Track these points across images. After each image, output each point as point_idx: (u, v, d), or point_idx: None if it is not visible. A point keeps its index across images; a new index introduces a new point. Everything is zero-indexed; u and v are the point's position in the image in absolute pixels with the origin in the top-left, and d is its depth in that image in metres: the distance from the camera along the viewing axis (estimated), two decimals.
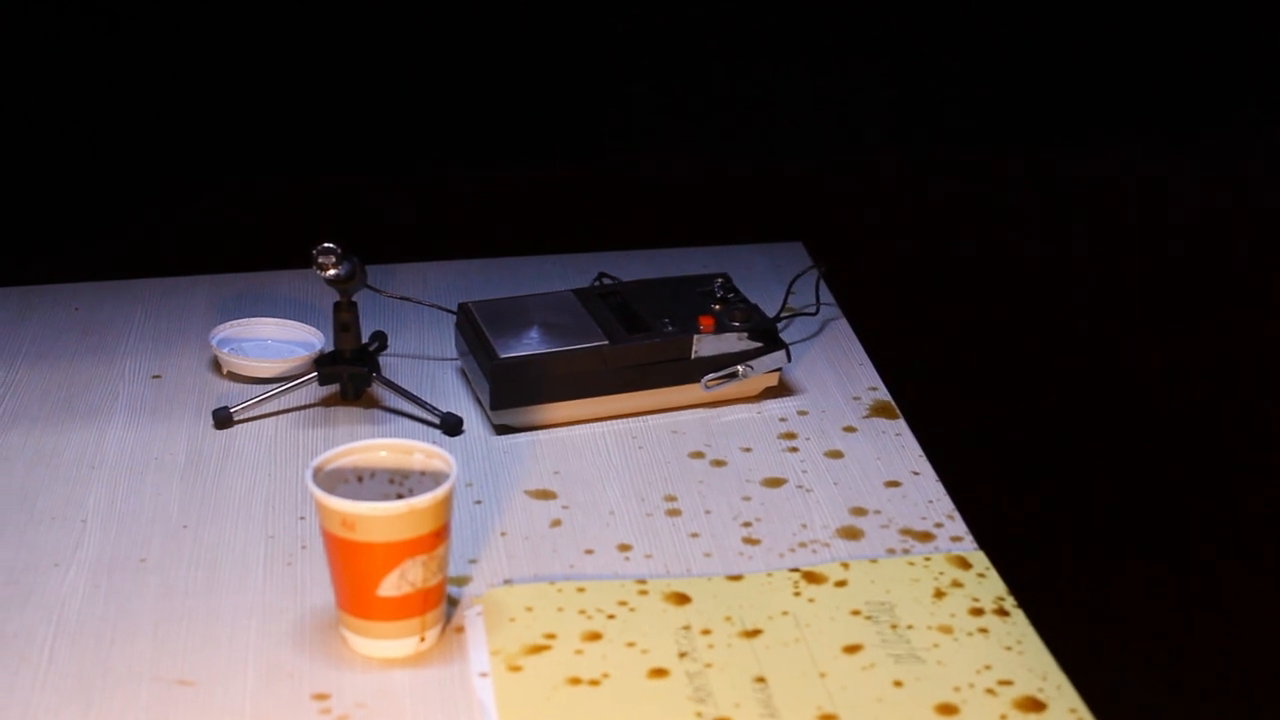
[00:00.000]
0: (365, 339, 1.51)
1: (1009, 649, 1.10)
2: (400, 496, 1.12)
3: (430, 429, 1.40)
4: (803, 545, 1.23)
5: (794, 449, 1.37)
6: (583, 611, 1.13)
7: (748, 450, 1.36)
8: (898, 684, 1.06)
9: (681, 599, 1.15)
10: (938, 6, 2.79)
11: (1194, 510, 2.28)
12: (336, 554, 1.07)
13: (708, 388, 1.42)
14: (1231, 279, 2.77)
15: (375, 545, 1.04)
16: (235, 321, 1.53)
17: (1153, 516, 2.27)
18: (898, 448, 1.37)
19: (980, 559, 1.20)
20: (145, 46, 2.61)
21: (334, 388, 1.44)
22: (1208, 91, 2.92)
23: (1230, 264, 2.80)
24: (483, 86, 2.74)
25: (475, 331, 1.42)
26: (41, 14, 2.49)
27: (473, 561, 1.20)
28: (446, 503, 1.06)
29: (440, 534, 1.07)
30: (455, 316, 1.48)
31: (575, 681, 1.06)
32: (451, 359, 1.52)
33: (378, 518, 1.04)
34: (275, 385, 1.43)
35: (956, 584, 1.17)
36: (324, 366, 1.42)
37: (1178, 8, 2.81)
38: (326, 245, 1.34)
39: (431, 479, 1.11)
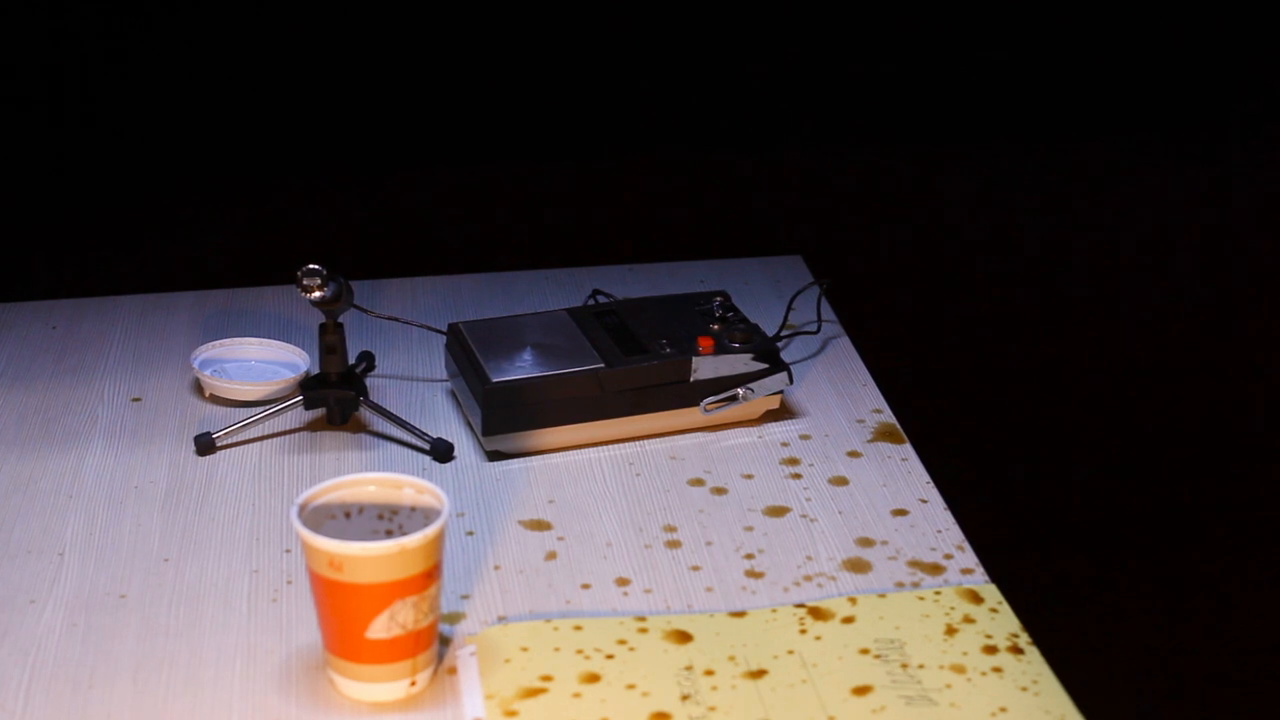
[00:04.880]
0: (352, 359, 1.46)
1: (1024, 689, 1.06)
2: (389, 533, 1.07)
3: (420, 455, 1.35)
4: (808, 578, 1.18)
5: (797, 475, 1.32)
6: (580, 651, 1.09)
7: (749, 477, 1.32)
8: None
9: (683, 637, 1.11)
10: (937, 12, 2.76)
11: (1216, 534, 2.25)
12: (323, 595, 1.02)
13: (707, 411, 1.37)
14: (1236, 288, 2.73)
15: (364, 586, 1.00)
16: (218, 342, 1.48)
17: (1172, 542, 2.23)
18: (904, 474, 1.33)
19: (992, 593, 1.16)
20: (124, 60, 2.56)
21: (320, 412, 1.39)
22: (1209, 94, 2.88)
23: (1233, 273, 2.77)
24: (475, 92, 2.70)
25: (466, 353, 1.37)
26: (13, 42, 2.45)
27: (465, 597, 1.15)
28: (438, 541, 1.02)
29: (432, 574, 1.02)
30: (445, 337, 1.44)
31: None
32: (442, 380, 1.48)
33: (366, 558, 0.99)
34: (259, 409, 1.38)
35: (968, 620, 1.13)
36: (310, 390, 1.37)
37: (1178, 12, 2.78)
38: (311, 267, 1.30)
39: (422, 515, 1.06)
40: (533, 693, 1.04)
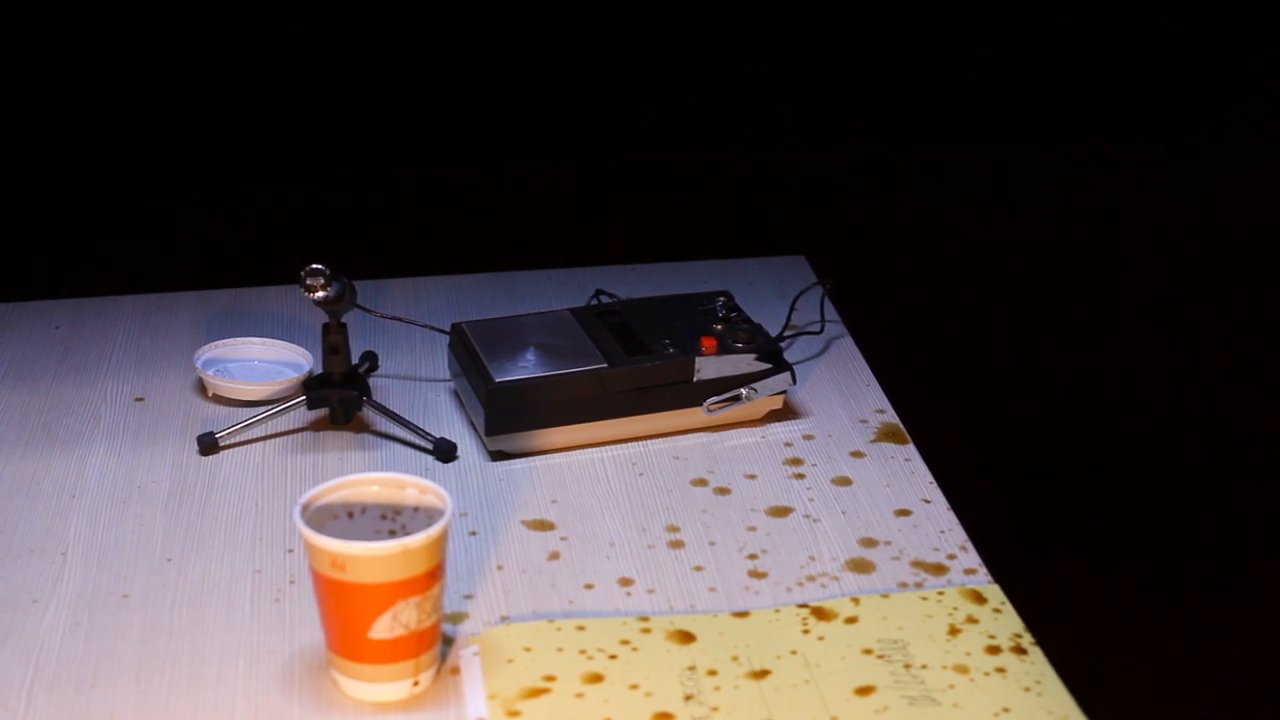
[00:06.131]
0: (355, 359, 1.46)
1: (1028, 690, 1.06)
2: (393, 533, 1.07)
3: (423, 455, 1.35)
4: (811, 579, 1.18)
5: (800, 475, 1.32)
6: (583, 651, 1.09)
7: (752, 477, 1.32)
8: None
9: (686, 637, 1.11)
10: (937, 12, 2.76)
11: (1218, 535, 2.25)
12: (326, 595, 1.02)
13: (710, 411, 1.37)
14: (1237, 288, 2.73)
15: (367, 586, 1.00)
16: (221, 341, 1.48)
17: (1175, 542, 2.23)
18: (907, 474, 1.33)
19: (995, 593, 1.16)
20: (124, 60, 2.56)
21: (323, 412, 1.39)
22: (1209, 94, 2.88)
23: (1233, 274, 2.77)
24: (475, 92, 2.70)
25: (469, 353, 1.37)
26: (13, 42, 2.45)
27: (468, 597, 1.15)
28: (441, 542, 1.02)
29: (435, 574, 1.02)
30: (448, 337, 1.44)
31: None
32: (445, 379, 1.48)
33: (369, 558, 0.99)
34: (262, 409, 1.38)
35: (971, 620, 1.13)
36: (313, 390, 1.37)
37: (1178, 12, 2.78)
38: (315, 266, 1.30)
39: (425, 514, 1.06)
40: (535, 693, 1.04)
